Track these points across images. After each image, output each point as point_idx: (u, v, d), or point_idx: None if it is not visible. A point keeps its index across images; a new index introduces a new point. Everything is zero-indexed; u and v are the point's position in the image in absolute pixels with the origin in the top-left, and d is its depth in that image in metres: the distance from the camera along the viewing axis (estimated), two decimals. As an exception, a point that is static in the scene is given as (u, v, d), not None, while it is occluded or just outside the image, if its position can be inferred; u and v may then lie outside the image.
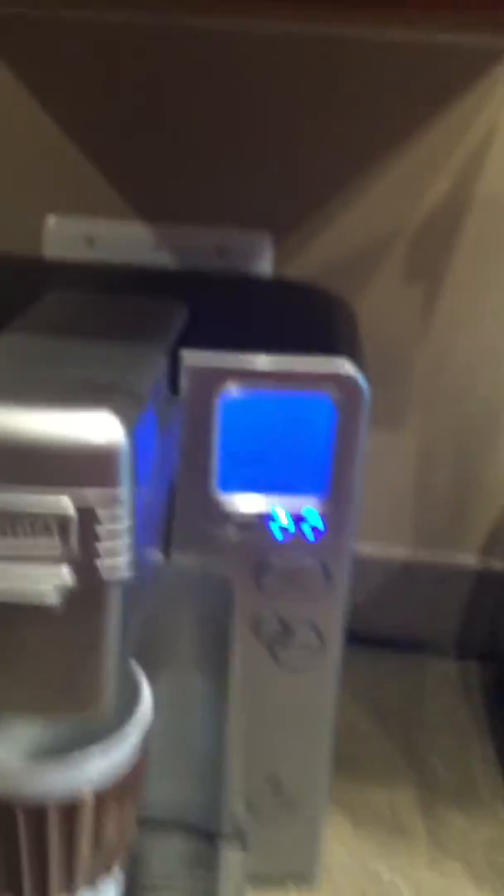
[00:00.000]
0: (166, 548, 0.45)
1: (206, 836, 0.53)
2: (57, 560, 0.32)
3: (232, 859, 0.52)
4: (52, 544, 0.32)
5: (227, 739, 0.50)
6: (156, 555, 0.44)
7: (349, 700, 0.69)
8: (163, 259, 0.65)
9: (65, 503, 0.32)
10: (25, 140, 0.65)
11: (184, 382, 0.42)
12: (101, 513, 0.32)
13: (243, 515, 0.45)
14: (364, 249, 0.65)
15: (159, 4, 0.49)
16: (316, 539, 0.45)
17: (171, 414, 0.41)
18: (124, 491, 0.32)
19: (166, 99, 0.63)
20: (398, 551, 0.74)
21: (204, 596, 0.47)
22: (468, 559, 0.73)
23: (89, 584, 0.33)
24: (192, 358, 0.42)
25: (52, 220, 0.65)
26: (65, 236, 0.65)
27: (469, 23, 0.48)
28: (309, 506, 0.45)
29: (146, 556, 0.39)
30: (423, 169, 0.63)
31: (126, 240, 0.65)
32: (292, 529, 0.45)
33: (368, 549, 0.73)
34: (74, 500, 0.32)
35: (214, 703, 0.49)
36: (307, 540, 0.45)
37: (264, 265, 0.65)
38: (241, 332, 0.47)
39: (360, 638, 0.75)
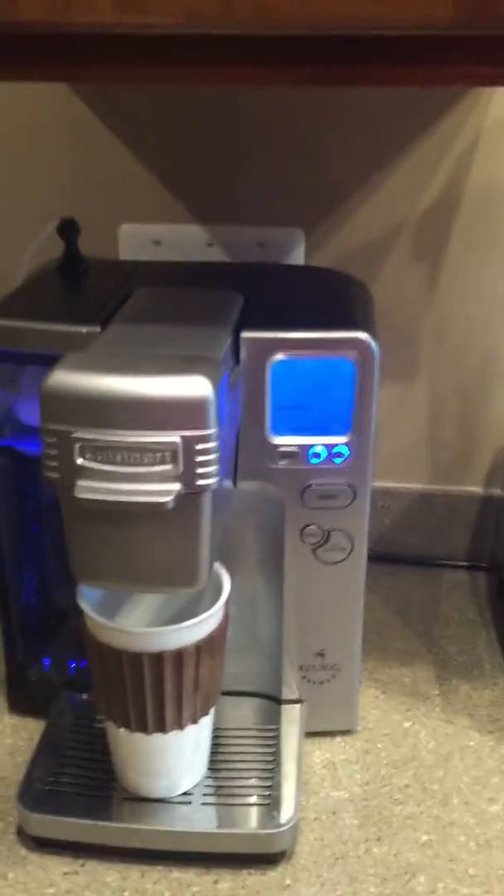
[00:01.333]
0: (234, 478, 0.61)
1: (272, 699, 0.69)
2: (171, 478, 0.48)
3: (292, 714, 0.68)
4: (167, 468, 0.48)
5: (283, 623, 0.66)
6: (227, 484, 0.60)
7: (378, 604, 0.85)
8: (215, 253, 0.81)
9: (175, 439, 0.47)
10: (100, 163, 0.80)
11: (243, 353, 0.58)
12: (198, 445, 0.48)
13: (289, 450, 0.60)
14: (377, 238, 0.80)
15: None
16: (343, 465, 0.61)
17: (237, 378, 0.57)
18: (212, 429, 0.48)
19: (215, 124, 0.78)
20: (416, 486, 0.89)
21: (262, 513, 0.63)
22: (474, 488, 0.88)
23: (192, 492, 0.48)
24: (249, 335, 0.58)
25: (125, 227, 0.81)
26: (136, 240, 0.81)
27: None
28: (337, 440, 0.60)
29: (223, 483, 0.55)
30: (422, 170, 0.78)
31: (186, 240, 0.80)
32: (325, 458, 0.60)
33: (391, 484, 0.89)
34: (181, 437, 0.47)
35: (272, 595, 0.66)
36: (337, 466, 0.61)
37: (298, 255, 0.80)
38: (283, 313, 0.62)
39: (387, 558, 0.91)
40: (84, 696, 0.69)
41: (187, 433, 0.48)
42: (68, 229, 0.70)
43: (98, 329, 0.58)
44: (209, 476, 0.49)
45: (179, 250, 0.80)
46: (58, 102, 0.79)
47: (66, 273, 0.70)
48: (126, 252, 0.81)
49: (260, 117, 0.78)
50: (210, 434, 0.48)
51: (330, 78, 0.45)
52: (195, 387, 0.47)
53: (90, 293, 0.68)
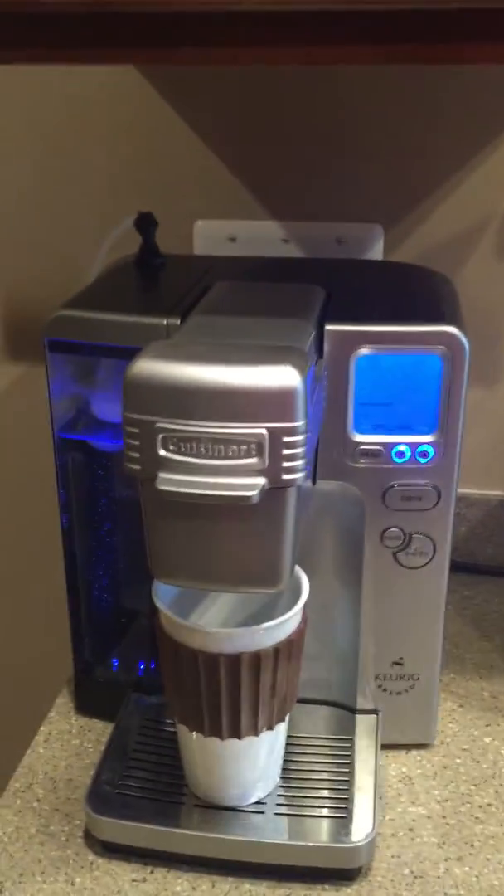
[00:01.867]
0: (313, 477, 0.59)
1: (346, 708, 0.66)
2: (256, 472, 0.46)
3: (367, 725, 0.65)
4: (253, 461, 0.46)
5: (360, 629, 0.63)
6: (307, 483, 0.58)
7: (454, 615, 0.82)
8: (291, 250, 0.79)
9: (261, 431, 0.46)
10: (175, 157, 0.79)
11: (327, 347, 0.56)
12: (285, 438, 0.46)
13: (372, 449, 0.58)
14: (461, 234, 0.78)
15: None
16: (428, 465, 0.58)
17: (322, 373, 0.55)
18: (300, 421, 0.46)
19: (292, 119, 0.77)
20: (494, 492, 0.86)
21: (341, 514, 0.61)
22: None
23: (277, 487, 0.46)
24: (334, 328, 0.56)
25: (199, 224, 0.80)
26: (210, 236, 0.79)
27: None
28: (423, 440, 0.58)
29: (306, 480, 0.53)
30: (509, 165, 0.75)
31: (261, 236, 0.79)
32: (409, 458, 0.58)
33: (468, 490, 0.86)
34: (268, 429, 0.46)
35: (349, 600, 0.63)
36: (421, 466, 0.58)
37: (376, 251, 0.78)
38: (367, 306, 0.60)
39: (462, 567, 0.88)
40: (149, 699, 0.67)
41: (274, 425, 0.46)
42: (146, 223, 0.69)
43: (178, 321, 0.56)
44: (296, 470, 0.46)
45: (255, 247, 0.79)
46: (133, 95, 0.78)
47: (143, 267, 0.69)
48: (200, 249, 0.80)
49: (337, 110, 0.76)
50: (298, 426, 0.46)
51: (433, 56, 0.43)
52: (284, 377, 0.45)
53: (168, 286, 0.67)
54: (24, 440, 0.90)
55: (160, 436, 0.46)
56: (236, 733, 0.55)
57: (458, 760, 0.66)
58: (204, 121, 0.78)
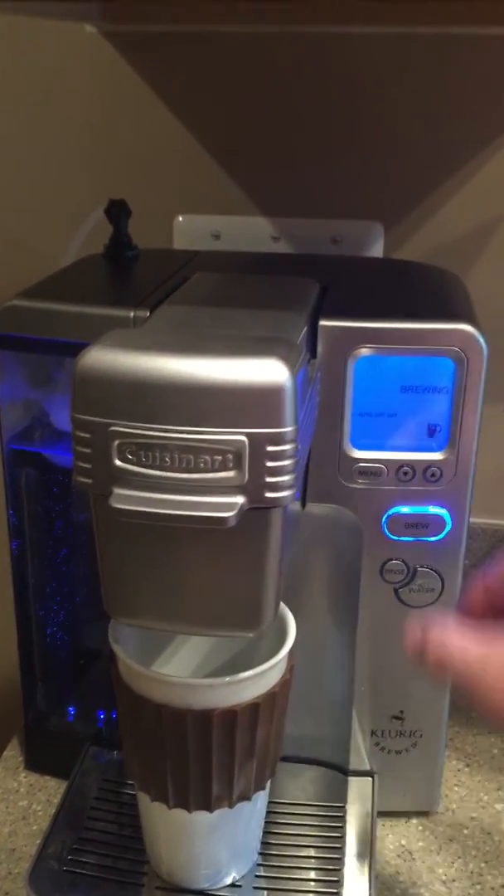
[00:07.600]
0: (303, 499, 0.51)
1: (338, 769, 0.58)
2: (234, 489, 0.38)
3: (362, 789, 0.57)
4: (229, 475, 0.37)
5: (355, 677, 0.55)
6: (295, 506, 0.50)
7: (458, 659, 0.73)
8: (282, 249, 0.71)
9: (240, 439, 0.37)
10: (155, 145, 0.71)
11: (321, 347, 0.48)
12: (270, 447, 0.37)
13: (372, 467, 0.50)
14: (469, 234, 0.70)
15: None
16: (438, 487, 0.50)
17: (315, 376, 0.47)
18: (289, 427, 0.37)
19: (283, 107, 0.69)
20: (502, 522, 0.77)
21: (335, 543, 0.53)
22: None
23: (259, 508, 0.38)
24: (329, 323, 0.48)
25: (180, 219, 0.72)
26: (192, 232, 0.71)
27: None
28: (432, 457, 0.49)
29: (294, 502, 0.44)
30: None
31: (248, 233, 0.71)
32: (415, 478, 0.50)
33: (473, 519, 0.77)
34: (248, 437, 0.37)
35: (343, 643, 0.55)
36: (429, 488, 0.50)
37: (376, 252, 0.70)
38: (368, 301, 0.52)
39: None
40: (110, 754, 0.58)
41: (256, 431, 0.37)
42: (117, 211, 0.61)
43: (147, 314, 0.48)
44: (282, 488, 0.38)
45: (241, 245, 0.71)
46: (109, 76, 0.70)
47: (113, 259, 0.61)
48: (181, 246, 0.72)
49: (333, 96, 0.68)
50: (285, 433, 0.37)
51: None
52: (269, 371, 0.37)
53: (140, 279, 0.59)
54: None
55: (116, 442, 0.38)
56: (206, 805, 0.46)
57: (465, 831, 0.57)
58: (186, 104, 0.71)
